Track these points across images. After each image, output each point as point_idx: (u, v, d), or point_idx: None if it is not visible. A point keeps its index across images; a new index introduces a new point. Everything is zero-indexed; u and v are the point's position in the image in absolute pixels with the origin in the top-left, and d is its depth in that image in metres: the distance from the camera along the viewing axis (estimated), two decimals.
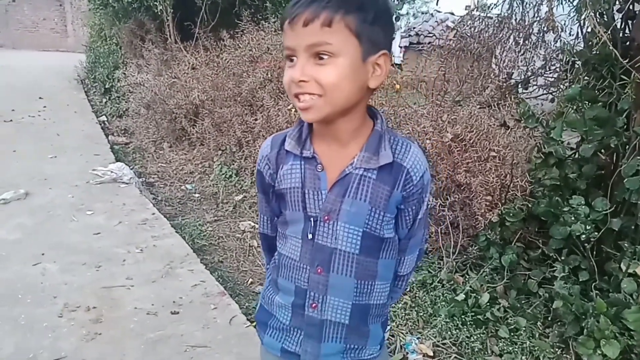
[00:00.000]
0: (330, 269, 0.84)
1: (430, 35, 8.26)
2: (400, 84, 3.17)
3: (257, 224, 3.23)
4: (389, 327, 1.03)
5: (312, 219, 0.84)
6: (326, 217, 0.82)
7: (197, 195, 3.77)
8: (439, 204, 2.42)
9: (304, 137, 0.83)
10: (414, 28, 10.49)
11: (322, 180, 0.82)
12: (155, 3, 4.81)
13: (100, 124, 5.81)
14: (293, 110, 3.51)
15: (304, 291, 0.87)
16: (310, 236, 0.84)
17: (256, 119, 3.67)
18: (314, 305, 0.87)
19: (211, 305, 2.06)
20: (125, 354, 1.73)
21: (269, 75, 3.83)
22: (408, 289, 2.40)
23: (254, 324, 2.03)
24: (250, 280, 2.53)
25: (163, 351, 1.75)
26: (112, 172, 3.75)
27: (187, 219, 3.26)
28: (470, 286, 2.32)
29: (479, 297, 2.25)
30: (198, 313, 1.99)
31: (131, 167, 4.15)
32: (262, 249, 1.04)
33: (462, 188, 2.35)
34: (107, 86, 6.92)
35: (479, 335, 2.04)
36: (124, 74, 5.73)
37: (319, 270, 0.85)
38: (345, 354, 0.90)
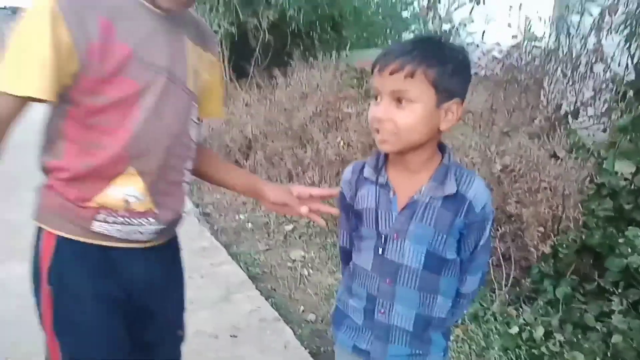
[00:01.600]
0: (397, 281, 0.96)
1: (477, 66, 8.28)
2: None
3: (307, 253, 3.35)
4: (452, 337, 1.15)
5: (383, 236, 0.96)
6: (395, 236, 0.95)
7: (249, 225, 3.95)
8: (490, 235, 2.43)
9: (380, 166, 0.97)
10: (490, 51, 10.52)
11: (393, 203, 0.95)
12: None
13: None
14: (341, 143, 3.65)
15: (374, 298, 0.99)
16: (380, 251, 0.97)
17: (306, 152, 3.84)
18: (382, 311, 0.99)
19: (267, 330, 2.17)
20: None
21: (318, 111, 4.02)
22: (460, 322, 2.40)
23: (304, 344, 2.11)
24: (302, 308, 2.61)
25: None
26: None
27: (241, 248, 3.42)
28: (524, 319, 2.29)
29: (534, 331, 2.21)
30: (255, 337, 2.10)
31: (189, 198, 4.42)
32: (340, 259, 1.17)
33: (513, 219, 2.36)
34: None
35: None
36: None
37: (388, 281, 0.97)
38: (411, 358, 1.01)
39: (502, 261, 2.44)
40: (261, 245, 3.53)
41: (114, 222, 0.92)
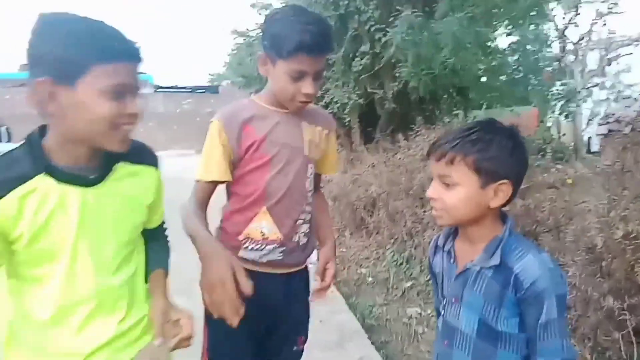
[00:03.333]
0: (454, 345, 1.03)
1: (634, 122, 7.46)
2: (573, 179, 3.13)
3: (424, 311, 3.41)
4: None
5: (445, 299, 1.07)
6: (454, 300, 1.04)
7: (370, 279, 4.16)
8: (617, 306, 2.26)
9: (450, 236, 1.09)
10: (613, 114, 9.59)
11: (452, 270, 1.05)
12: (344, 115, 5.80)
13: None
14: None
15: (437, 358, 1.10)
16: (443, 312, 1.08)
17: (425, 211, 3.98)
18: None
19: None
20: None
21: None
22: None
23: None
24: None
25: None
26: None
27: (360, 299, 3.65)
28: None
29: None
30: None
31: (317, 251, 4.84)
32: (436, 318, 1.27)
33: None
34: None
35: None
36: None
37: (446, 343, 1.05)
38: None
39: (632, 335, 2.23)
40: (379, 299, 3.69)
41: (253, 249, 1.35)
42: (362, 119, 5.94)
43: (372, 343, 2.73)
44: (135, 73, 0.87)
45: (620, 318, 2.26)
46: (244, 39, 7.80)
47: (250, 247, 1.35)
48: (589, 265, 2.37)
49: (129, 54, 0.86)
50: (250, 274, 1.33)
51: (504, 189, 0.96)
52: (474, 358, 1.00)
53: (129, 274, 1.00)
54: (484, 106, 6.25)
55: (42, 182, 0.85)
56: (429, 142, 4.32)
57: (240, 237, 1.35)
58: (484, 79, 6.01)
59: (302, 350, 1.55)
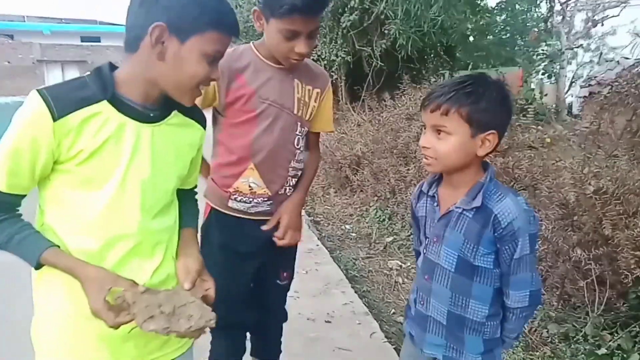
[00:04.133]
0: (433, 278, 1.13)
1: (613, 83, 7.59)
2: (552, 140, 3.24)
3: (403, 263, 3.58)
4: (501, 350, 1.19)
5: (427, 239, 1.16)
6: (435, 239, 1.13)
7: (353, 234, 4.30)
8: (583, 256, 2.42)
9: (434, 182, 1.16)
10: (595, 77, 9.70)
11: (436, 212, 1.14)
12: (331, 73, 5.76)
13: None
14: None
15: (417, 291, 1.20)
16: (424, 251, 1.17)
17: (409, 169, 4.09)
18: (421, 302, 1.17)
19: (357, 321, 2.49)
20: (290, 346, 2.25)
21: (423, 131, 4.24)
22: (549, 340, 2.43)
23: (390, 340, 2.37)
24: (393, 311, 2.86)
25: (317, 348, 2.23)
26: None
27: (344, 253, 3.79)
28: (619, 345, 2.24)
29: (627, 356, 2.16)
30: (346, 325, 2.43)
31: (303, 208, 4.94)
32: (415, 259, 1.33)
33: (608, 242, 2.33)
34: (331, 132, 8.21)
35: None
36: None
37: (426, 278, 1.15)
38: (447, 350, 1.15)
39: (595, 284, 2.41)
40: (362, 252, 3.85)
41: (242, 201, 1.42)
42: (349, 77, 5.91)
43: (355, 292, 2.88)
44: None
45: (586, 268, 2.43)
46: None
47: (239, 199, 1.41)
48: (561, 220, 2.52)
49: (235, 29, 0.94)
50: (239, 220, 1.43)
51: (491, 138, 1.03)
52: (452, 289, 1.10)
53: (168, 223, 1.02)
54: (470, 67, 6.27)
55: (105, 108, 0.89)
56: (415, 102, 4.35)
57: (230, 189, 1.41)
58: (471, 39, 5.99)
59: (288, 286, 1.65)
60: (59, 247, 0.90)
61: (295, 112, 1.40)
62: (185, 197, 1.14)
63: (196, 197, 1.22)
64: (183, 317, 0.90)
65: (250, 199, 1.40)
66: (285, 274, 1.60)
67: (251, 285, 1.56)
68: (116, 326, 0.86)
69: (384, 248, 3.88)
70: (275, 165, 1.41)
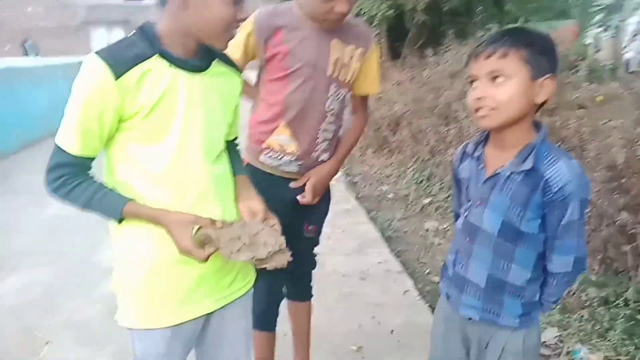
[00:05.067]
0: (475, 242, 1.09)
1: None
2: (604, 98, 3.06)
3: (441, 225, 3.57)
4: (540, 313, 1.17)
5: (470, 202, 1.11)
6: (478, 203, 1.08)
7: (390, 195, 4.30)
8: (629, 220, 2.33)
9: (480, 142, 1.10)
10: None
11: (481, 175, 1.08)
12: (372, 28, 5.59)
13: None
14: None
15: (457, 253, 1.17)
16: (466, 214, 1.12)
17: (449, 130, 3.99)
18: (460, 265, 1.14)
19: (391, 278, 2.54)
20: (326, 299, 2.34)
21: (465, 89, 4.09)
22: (588, 304, 2.39)
23: (425, 298, 2.41)
24: (428, 271, 2.88)
25: (352, 302, 2.31)
26: None
27: (380, 214, 3.82)
28: None
29: None
30: (380, 282, 2.50)
31: (341, 168, 4.96)
32: (454, 221, 1.31)
33: None
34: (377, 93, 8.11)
35: None
36: None
37: (467, 240, 1.11)
38: (483, 312, 1.12)
39: None
40: (399, 214, 3.86)
41: (272, 157, 1.46)
42: (391, 33, 5.72)
43: (390, 252, 2.92)
44: None
45: (631, 232, 2.34)
46: None
47: (269, 155, 1.46)
48: (608, 183, 2.41)
49: None
50: (270, 177, 1.48)
51: (549, 83, 0.99)
52: (495, 252, 1.07)
53: (225, 169, 1.08)
54: (521, 20, 5.89)
55: (157, 63, 0.93)
56: (459, 58, 4.18)
57: (263, 145, 1.46)
58: None
59: (315, 240, 1.69)
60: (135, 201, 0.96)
61: (328, 73, 1.40)
62: (230, 148, 1.17)
63: (239, 149, 1.25)
64: (260, 244, 0.97)
65: (281, 156, 1.45)
66: (310, 227, 1.64)
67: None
68: (206, 259, 0.94)
69: (421, 209, 3.87)
70: (305, 125, 1.43)
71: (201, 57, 1.00)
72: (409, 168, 4.66)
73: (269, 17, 1.36)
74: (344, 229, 3.27)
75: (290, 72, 1.37)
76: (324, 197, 1.62)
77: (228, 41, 0.99)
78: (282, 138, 1.43)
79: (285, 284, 1.74)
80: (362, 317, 2.23)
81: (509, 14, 6.02)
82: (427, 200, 3.99)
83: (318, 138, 1.46)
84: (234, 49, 1.33)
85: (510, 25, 6.14)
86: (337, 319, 2.22)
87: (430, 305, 2.36)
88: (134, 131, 0.94)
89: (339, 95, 1.45)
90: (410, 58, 5.23)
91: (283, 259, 1.00)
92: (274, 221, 1.09)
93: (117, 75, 0.88)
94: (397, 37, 5.54)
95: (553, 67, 1.00)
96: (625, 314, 2.21)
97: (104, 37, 22.16)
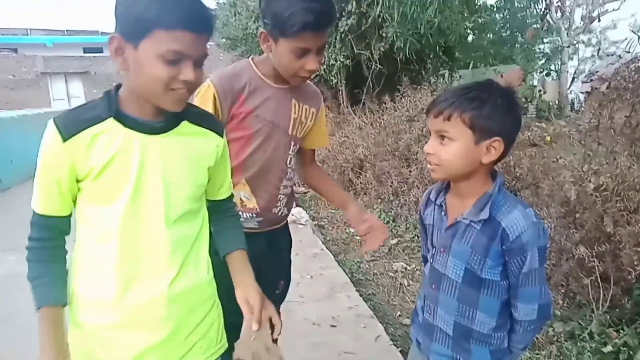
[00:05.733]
0: (440, 288, 1.12)
1: (611, 80, 7.56)
2: (552, 137, 3.25)
3: (408, 265, 3.59)
4: (540, 354, 1.22)
5: (434, 248, 1.14)
6: (442, 250, 1.11)
7: (358, 237, 4.31)
8: (587, 254, 2.42)
9: (442, 191, 1.14)
10: (597, 72, 9.67)
11: (444, 222, 1.12)
12: (331, 77, 5.79)
13: None
14: None
15: (424, 300, 1.18)
16: (431, 260, 1.15)
17: (411, 171, 4.10)
18: (429, 312, 1.16)
19: (362, 324, 2.50)
20: (296, 351, 2.26)
21: (424, 132, 4.26)
22: (555, 339, 2.43)
23: (396, 343, 2.38)
24: (399, 313, 2.87)
25: (323, 352, 2.24)
26: (293, 215, 4.60)
27: (348, 256, 3.81)
28: (625, 342, 2.24)
29: (634, 353, 2.16)
30: (351, 328, 2.44)
31: (307, 212, 4.97)
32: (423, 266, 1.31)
33: (610, 239, 2.33)
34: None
35: None
36: None
37: (433, 287, 1.14)
38: None
39: (599, 281, 2.41)
40: (367, 256, 3.85)
41: None
42: (349, 81, 5.94)
43: (360, 295, 2.89)
44: (201, 43, 0.89)
45: (589, 265, 2.43)
46: None
47: None
48: (563, 218, 2.52)
49: (193, 22, 0.86)
50: None
51: (496, 145, 1.01)
52: (459, 300, 1.09)
53: (189, 232, 1.03)
54: (470, 66, 6.27)
55: (111, 126, 0.93)
56: (415, 103, 4.37)
57: None
58: (470, 38, 6.00)
59: (285, 292, 1.68)
60: (65, 304, 0.97)
61: (290, 132, 1.42)
62: (220, 210, 1.16)
63: (237, 213, 1.23)
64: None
65: (241, 212, 1.41)
66: (281, 282, 1.63)
67: None
68: None
69: (389, 250, 3.89)
70: (266, 182, 1.43)
71: (165, 118, 0.97)
72: (374, 209, 4.71)
73: (229, 80, 1.35)
74: (313, 275, 3.23)
75: (254, 132, 1.37)
76: (285, 247, 1.63)
77: (176, 101, 0.93)
78: (242, 193, 1.42)
79: None
80: None
81: (458, 61, 6.40)
82: (394, 241, 4.02)
83: (278, 195, 1.47)
84: None
85: (461, 72, 6.57)
86: None
87: (401, 351, 2.33)
88: (88, 192, 0.95)
89: (295, 151, 1.48)
90: (369, 104, 5.42)
91: None
92: (271, 311, 1.09)
93: (65, 138, 0.90)
94: (356, 85, 5.76)
95: (504, 129, 1.01)
96: (591, 347, 2.26)
97: (63, 88, 21.87)
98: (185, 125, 1.01)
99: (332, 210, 5.25)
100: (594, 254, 2.35)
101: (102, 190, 0.94)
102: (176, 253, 1.00)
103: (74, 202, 0.98)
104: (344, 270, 3.33)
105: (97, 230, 0.97)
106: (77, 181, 0.94)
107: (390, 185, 4.39)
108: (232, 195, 1.20)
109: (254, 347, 1.01)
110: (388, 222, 4.35)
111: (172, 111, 0.95)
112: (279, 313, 1.65)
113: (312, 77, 1.37)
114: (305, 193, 6.10)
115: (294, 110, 1.42)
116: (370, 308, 2.75)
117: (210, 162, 1.06)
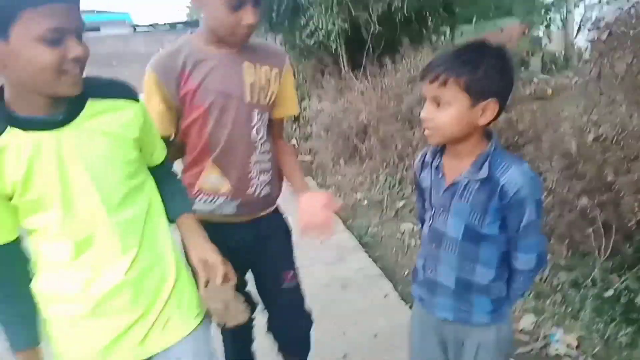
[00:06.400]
0: (441, 247, 1.16)
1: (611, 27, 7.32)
2: (553, 90, 3.22)
3: (416, 226, 3.66)
4: (509, 306, 1.23)
5: (433, 209, 1.17)
6: (441, 210, 1.15)
7: (365, 202, 4.38)
8: (589, 204, 2.46)
9: (437, 153, 1.15)
10: (603, 19, 9.33)
11: (441, 184, 1.14)
12: (330, 43, 5.72)
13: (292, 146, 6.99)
14: None
15: (425, 259, 1.22)
16: (431, 221, 1.19)
17: (414, 133, 4.11)
18: (430, 270, 1.20)
19: (371, 283, 2.60)
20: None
21: (423, 101, 4.24)
22: (560, 287, 2.50)
23: (405, 299, 2.48)
24: (407, 271, 2.96)
25: (335, 311, 2.35)
26: None
27: (357, 221, 3.89)
28: (627, 285, 2.31)
29: (635, 295, 2.23)
30: (360, 288, 2.55)
31: (314, 180, 5.03)
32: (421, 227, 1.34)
33: (611, 188, 2.36)
34: (296, 115, 8.24)
35: (629, 332, 2.07)
36: (309, 104, 6.85)
37: (434, 246, 1.17)
38: (457, 312, 1.19)
39: (602, 230, 2.45)
40: (374, 219, 3.93)
41: (207, 202, 1.34)
42: (349, 45, 5.86)
43: (369, 257, 2.98)
44: (74, 13, 0.80)
45: (591, 215, 2.47)
46: None
47: (203, 200, 1.34)
48: (565, 170, 2.55)
49: None
50: (211, 226, 1.24)
51: (492, 107, 1.02)
52: (460, 256, 1.14)
53: (135, 212, 0.97)
54: (474, 20, 6.11)
55: (12, 136, 0.84)
56: (416, 64, 4.33)
57: (194, 190, 1.33)
58: None
59: (297, 284, 1.54)
60: (38, 343, 0.99)
61: (247, 100, 1.28)
62: (160, 176, 1.09)
63: (176, 174, 1.19)
64: (231, 317, 1.06)
65: (215, 199, 1.33)
66: (288, 274, 1.50)
67: (245, 290, 1.51)
68: None
69: (396, 213, 3.95)
70: (234, 159, 1.31)
71: (66, 105, 0.88)
72: (380, 173, 4.75)
73: (168, 59, 1.24)
74: (322, 240, 3.32)
75: (207, 108, 1.25)
76: (280, 235, 1.51)
77: (73, 83, 0.84)
78: (212, 178, 1.32)
79: (275, 337, 1.59)
80: (346, 324, 2.27)
81: (459, 17, 6.25)
82: (401, 204, 4.08)
83: (251, 172, 1.34)
84: (155, 121, 1.16)
85: (464, 27, 6.41)
86: (322, 330, 2.26)
87: (410, 306, 2.42)
88: (24, 206, 0.90)
89: (264, 121, 1.34)
90: (370, 68, 5.36)
91: (243, 317, 1.04)
92: (232, 276, 1.07)
93: None
94: (356, 49, 5.69)
95: (499, 90, 1.03)
96: (593, 293, 2.33)
97: None
98: (91, 104, 0.91)
99: (339, 177, 5.30)
100: (595, 203, 2.39)
101: (34, 200, 0.89)
102: (127, 236, 0.96)
103: (18, 221, 0.93)
104: (353, 234, 3.41)
105: (45, 235, 0.93)
106: (10, 200, 0.89)
107: (395, 149, 4.41)
108: (167, 158, 1.14)
109: (222, 296, 1.04)
110: (394, 185, 4.40)
111: (70, 96, 0.86)
112: (303, 309, 1.55)
113: (252, 32, 1.23)
114: (311, 162, 6.14)
115: (248, 74, 1.27)
116: (380, 268, 2.85)
117: (134, 133, 0.97)
